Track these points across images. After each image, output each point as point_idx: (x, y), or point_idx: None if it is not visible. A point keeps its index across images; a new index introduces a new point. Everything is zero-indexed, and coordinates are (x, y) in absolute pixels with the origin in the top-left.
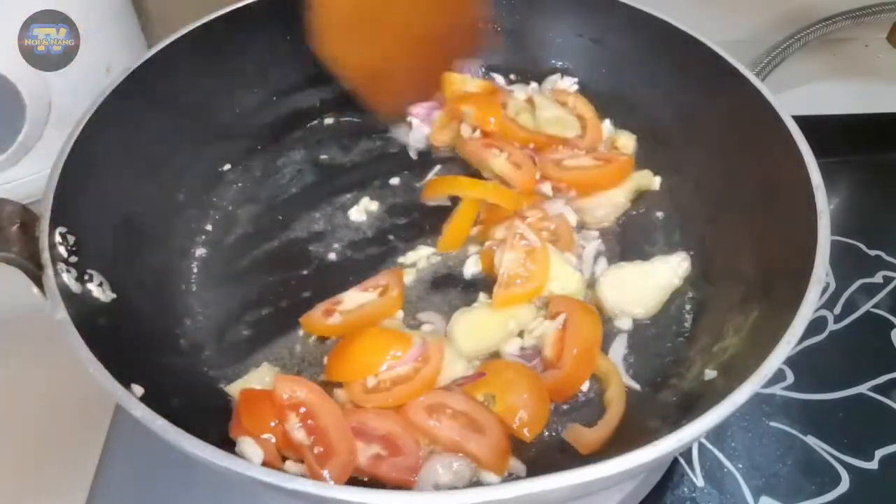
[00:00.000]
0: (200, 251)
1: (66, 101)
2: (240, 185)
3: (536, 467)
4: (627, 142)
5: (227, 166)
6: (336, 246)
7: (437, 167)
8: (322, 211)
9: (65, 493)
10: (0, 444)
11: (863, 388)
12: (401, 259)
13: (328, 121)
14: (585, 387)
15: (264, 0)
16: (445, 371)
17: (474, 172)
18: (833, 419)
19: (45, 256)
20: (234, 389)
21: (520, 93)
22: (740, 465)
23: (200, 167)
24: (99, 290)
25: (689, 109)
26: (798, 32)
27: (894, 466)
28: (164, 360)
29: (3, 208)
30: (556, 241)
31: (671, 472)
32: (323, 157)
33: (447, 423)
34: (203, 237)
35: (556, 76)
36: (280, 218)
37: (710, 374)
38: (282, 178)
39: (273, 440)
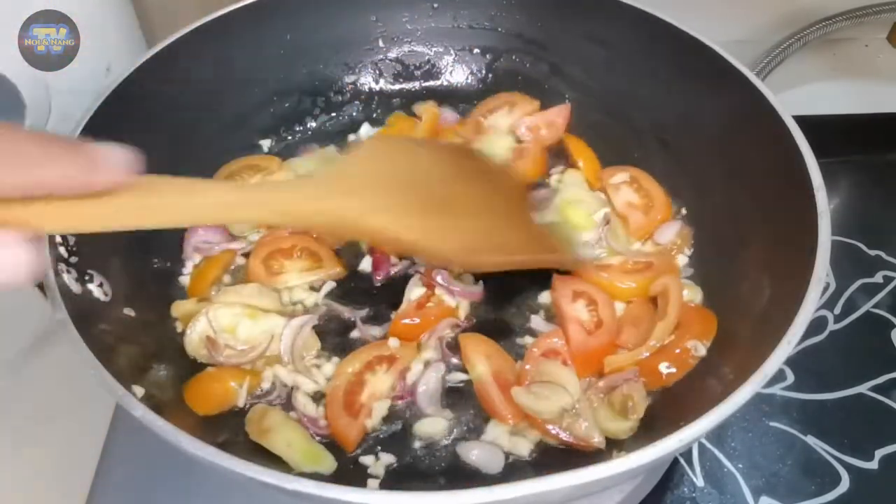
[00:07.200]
0: None
1: (66, 101)
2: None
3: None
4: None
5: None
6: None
7: None
8: None
9: (65, 493)
10: (0, 444)
11: (863, 388)
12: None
13: (328, 120)
14: None
15: (264, 0)
16: None
17: None
18: (833, 419)
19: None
20: None
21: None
22: (740, 465)
23: (200, 167)
24: (99, 291)
25: (689, 109)
26: (798, 32)
27: (894, 466)
28: (164, 360)
29: None
30: None
31: (671, 472)
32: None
33: None
34: None
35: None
36: None
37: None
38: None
39: None
